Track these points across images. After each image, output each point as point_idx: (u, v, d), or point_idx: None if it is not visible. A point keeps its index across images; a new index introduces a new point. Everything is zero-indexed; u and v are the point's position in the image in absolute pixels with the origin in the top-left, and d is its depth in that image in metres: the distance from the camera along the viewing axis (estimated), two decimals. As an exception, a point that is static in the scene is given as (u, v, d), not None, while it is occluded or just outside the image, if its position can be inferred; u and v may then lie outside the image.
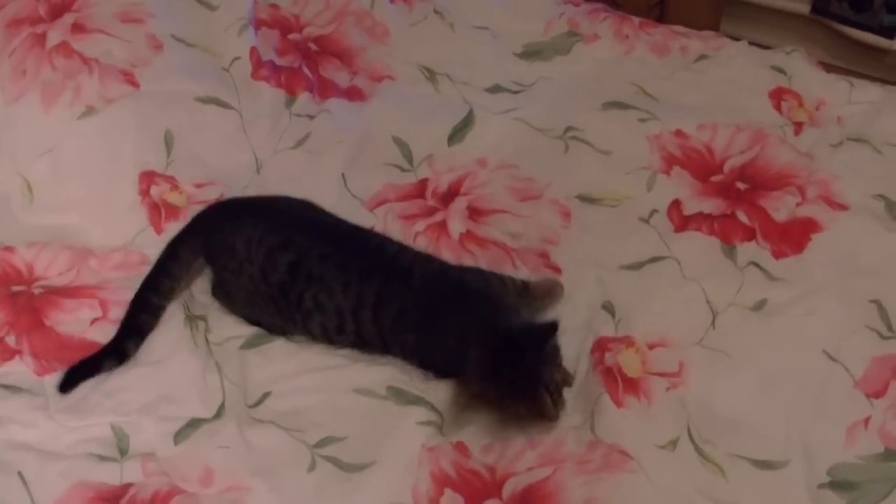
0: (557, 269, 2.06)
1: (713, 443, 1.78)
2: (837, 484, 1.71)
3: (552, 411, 1.78)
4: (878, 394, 1.82)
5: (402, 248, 1.99)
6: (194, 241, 2.06)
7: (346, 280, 1.90)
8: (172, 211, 2.18)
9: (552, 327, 1.77)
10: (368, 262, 1.93)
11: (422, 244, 2.11)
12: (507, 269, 2.06)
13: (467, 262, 2.08)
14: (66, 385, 1.89)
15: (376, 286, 1.89)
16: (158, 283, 2.01)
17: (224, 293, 2.04)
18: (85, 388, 1.88)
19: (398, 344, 1.91)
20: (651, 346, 1.90)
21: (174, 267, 2.03)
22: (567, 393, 1.85)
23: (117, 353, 1.93)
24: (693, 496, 1.71)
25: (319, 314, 1.92)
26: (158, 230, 2.16)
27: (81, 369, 1.91)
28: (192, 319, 1.99)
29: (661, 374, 1.87)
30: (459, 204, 2.19)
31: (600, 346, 1.91)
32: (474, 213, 2.17)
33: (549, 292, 2.00)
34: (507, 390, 1.78)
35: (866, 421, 1.79)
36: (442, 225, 2.15)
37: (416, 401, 1.84)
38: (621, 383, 1.84)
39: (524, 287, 1.97)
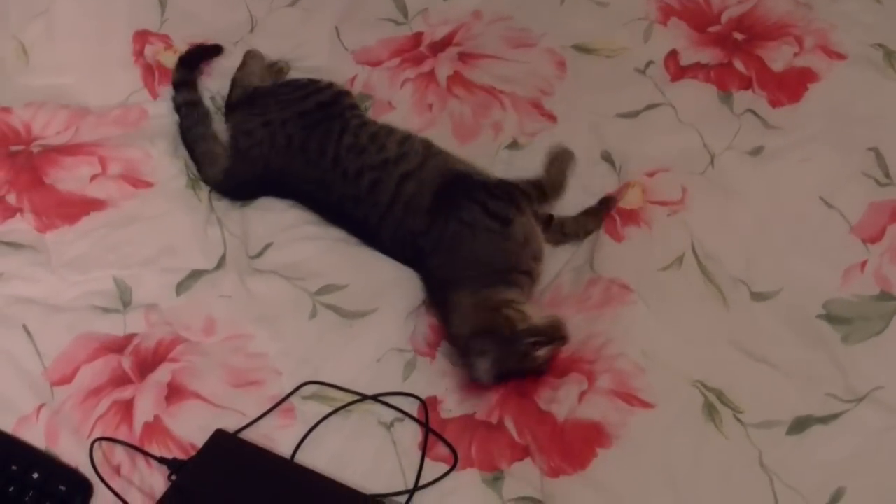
0: (552, 118, 2.06)
1: (716, 260, 1.80)
2: (832, 317, 1.73)
3: None
4: (875, 239, 1.82)
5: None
6: None
7: None
8: (166, 74, 2.16)
9: None
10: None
11: (408, 91, 2.12)
12: (495, 113, 2.06)
13: (455, 107, 2.08)
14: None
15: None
16: None
17: None
18: (86, 242, 1.90)
19: None
20: (651, 174, 1.91)
21: None
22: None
23: None
24: (694, 326, 1.74)
25: None
26: (153, 93, 2.15)
27: None
28: (195, 182, 2.00)
29: (663, 203, 1.89)
30: (450, 52, 2.18)
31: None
32: (465, 57, 2.17)
33: (559, 166, 1.92)
34: None
35: (862, 265, 1.80)
36: (431, 74, 2.15)
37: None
38: (619, 219, 1.86)
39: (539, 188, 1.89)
